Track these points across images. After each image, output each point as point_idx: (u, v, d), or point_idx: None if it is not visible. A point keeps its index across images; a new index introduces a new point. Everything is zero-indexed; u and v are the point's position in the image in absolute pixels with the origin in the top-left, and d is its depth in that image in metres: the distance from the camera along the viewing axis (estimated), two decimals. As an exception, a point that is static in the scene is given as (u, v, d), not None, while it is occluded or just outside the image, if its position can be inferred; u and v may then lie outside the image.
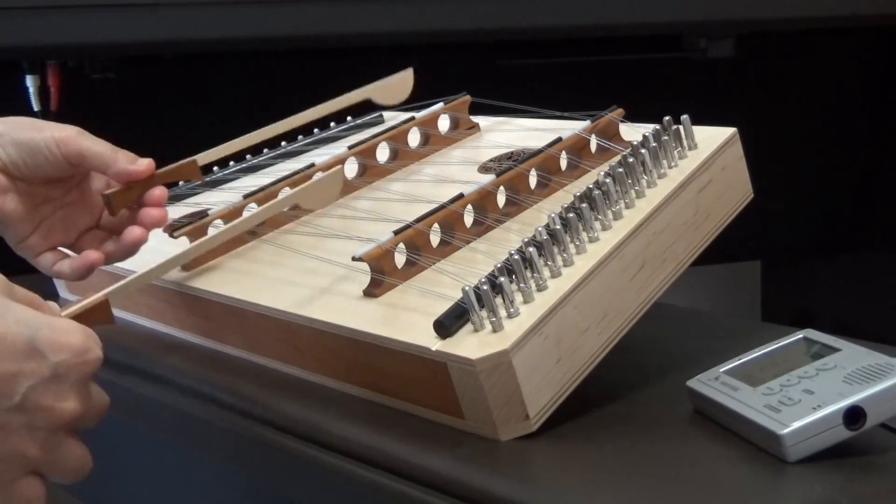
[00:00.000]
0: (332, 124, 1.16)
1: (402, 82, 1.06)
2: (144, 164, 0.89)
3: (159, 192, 0.90)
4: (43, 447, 0.66)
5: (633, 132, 0.93)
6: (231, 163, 1.12)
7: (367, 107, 1.19)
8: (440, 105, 1.10)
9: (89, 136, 0.88)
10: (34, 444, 0.66)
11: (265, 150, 1.11)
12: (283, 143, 1.12)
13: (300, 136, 1.14)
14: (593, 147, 0.93)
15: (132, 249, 0.88)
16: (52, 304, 0.71)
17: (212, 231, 0.96)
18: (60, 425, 0.66)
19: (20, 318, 0.65)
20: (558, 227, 0.79)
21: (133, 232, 0.88)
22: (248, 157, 1.10)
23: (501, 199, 0.88)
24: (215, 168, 1.12)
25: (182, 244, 0.95)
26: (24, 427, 0.65)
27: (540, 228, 0.78)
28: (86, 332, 0.69)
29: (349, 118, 1.17)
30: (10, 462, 0.65)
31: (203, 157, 0.95)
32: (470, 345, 0.73)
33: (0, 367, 0.64)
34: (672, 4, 1.77)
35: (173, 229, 0.95)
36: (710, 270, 2.37)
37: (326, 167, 1.01)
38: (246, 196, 0.98)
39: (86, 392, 0.68)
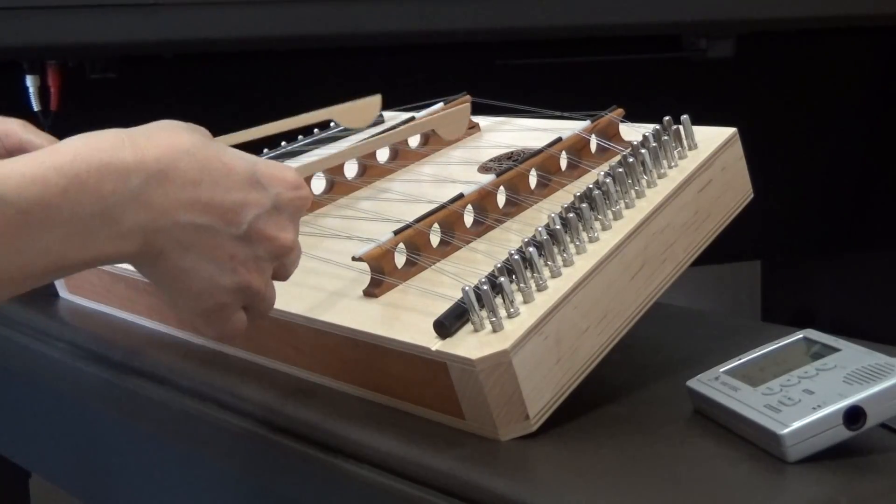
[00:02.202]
0: (332, 124, 1.16)
1: (368, 107, 1.03)
2: None
3: None
4: (266, 280, 0.70)
5: (633, 132, 0.93)
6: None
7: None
8: (440, 105, 1.10)
9: (32, 130, 0.83)
10: (260, 276, 0.70)
11: (265, 150, 1.11)
12: (283, 143, 1.12)
13: (300, 136, 1.13)
14: (593, 147, 0.93)
15: None
16: None
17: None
18: (279, 255, 0.70)
19: (237, 153, 0.69)
20: (558, 227, 0.79)
21: None
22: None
23: (501, 199, 0.88)
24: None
25: None
26: (250, 259, 0.69)
27: (540, 228, 0.78)
28: (297, 171, 0.72)
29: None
30: (238, 294, 0.69)
31: None
32: (470, 345, 0.73)
33: (229, 197, 0.67)
34: (672, 4, 1.77)
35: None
36: (710, 270, 2.38)
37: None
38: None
39: (297, 226, 0.71)
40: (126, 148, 0.64)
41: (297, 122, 0.94)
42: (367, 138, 1.00)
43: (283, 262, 0.72)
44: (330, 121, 1.06)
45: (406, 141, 1.06)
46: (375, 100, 0.98)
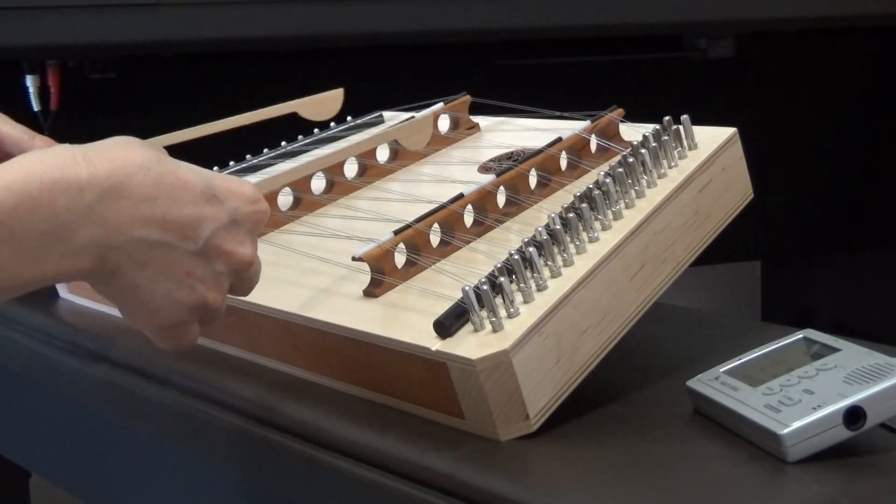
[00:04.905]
0: (332, 124, 1.16)
1: (331, 100, 1.03)
2: None
3: None
4: (222, 294, 0.69)
5: (633, 132, 0.93)
6: (231, 163, 1.12)
7: (366, 107, 1.19)
8: (440, 105, 1.10)
9: (7, 121, 0.83)
10: (218, 292, 0.69)
11: (265, 150, 1.11)
12: (283, 143, 1.12)
13: (300, 136, 1.13)
14: (593, 147, 0.93)
15: None
16: None
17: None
18: (238, 270, 0.69)
19: (192, 168, 0.68)
20: (558, 227, 0.79)
21: None
22: (248, 157, 1.10)
23: (501, 199, 0.88)
24: (215, 168, 1.12)
25: None
26: (209, 275, 0.68)
27: (540, 228, 0.78)
28: (253, 185, 0.71)
29: (349, 118, 1.17)
30: (195, 310, 0.69)
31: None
32: (470, 345, 0.73)
33: (184, 212, 0.66)
34: (672, 4, 1.77)
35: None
36: (710, 270, 2.38)
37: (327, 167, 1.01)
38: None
39: (256, 241, 0.71)
40: (79, 164, 0.63)
41: (261, 115, 0.94)
42: (332, 152, 1.01)
43: (242, 277, 0.71)
44: (296, 132, 1.05)
45: (406, 141, 1.06)
46: (338, 93, 1.00)
